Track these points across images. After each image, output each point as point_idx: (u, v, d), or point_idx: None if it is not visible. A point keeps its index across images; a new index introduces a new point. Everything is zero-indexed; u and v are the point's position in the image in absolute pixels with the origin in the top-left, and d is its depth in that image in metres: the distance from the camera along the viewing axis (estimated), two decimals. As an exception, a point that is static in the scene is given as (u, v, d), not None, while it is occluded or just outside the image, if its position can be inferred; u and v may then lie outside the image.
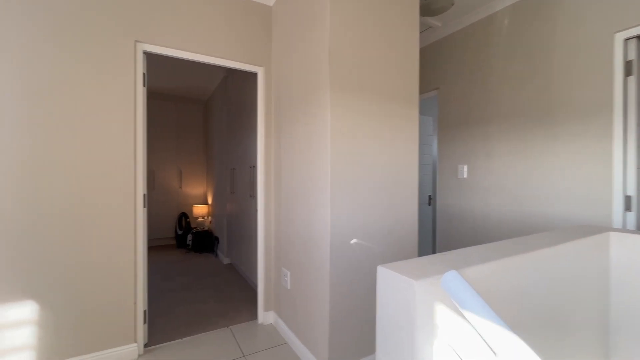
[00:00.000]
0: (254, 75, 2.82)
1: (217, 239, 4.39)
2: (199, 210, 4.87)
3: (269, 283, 2.31)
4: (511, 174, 2.21)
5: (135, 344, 1.84)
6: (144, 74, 1.91)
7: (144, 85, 1.91)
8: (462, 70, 2.59)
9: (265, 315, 2.28)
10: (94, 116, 1.75)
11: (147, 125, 4.81)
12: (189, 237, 4.61)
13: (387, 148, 1.76)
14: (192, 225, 5.00)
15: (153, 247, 4.83)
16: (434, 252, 4.12)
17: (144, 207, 1.92)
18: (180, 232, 4.78)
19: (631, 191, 1.70)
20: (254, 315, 2.40)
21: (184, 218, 4.89)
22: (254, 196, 2.90)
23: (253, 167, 2.91)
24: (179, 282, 3.20)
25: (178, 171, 5.05)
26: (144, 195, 1.92)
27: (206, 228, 4.73)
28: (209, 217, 5.02)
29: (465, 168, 2.55)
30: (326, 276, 1.58)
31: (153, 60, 3.56)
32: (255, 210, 2.77)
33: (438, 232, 2.80)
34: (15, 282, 1.57)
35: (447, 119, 2.72)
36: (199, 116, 5.26)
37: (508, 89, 2.24)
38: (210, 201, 4.99)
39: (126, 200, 1.82)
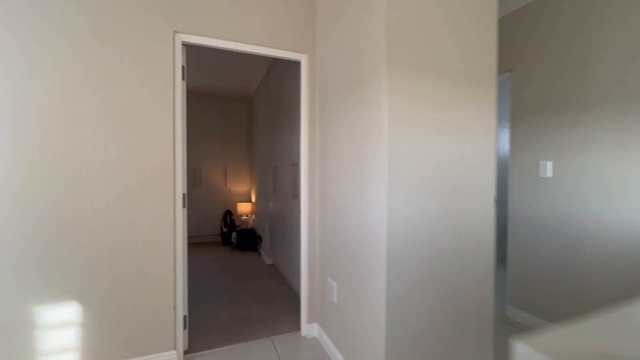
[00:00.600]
0: (296, 66, 2.62)
1: (260, 238, 4.33)
2: (243, 208, 4.87)
3: (312, 293, 2.10)
4: (619, 173, 1.72)
5: (174, 351, 1.76)
6: (183, 66, 1.81)
7: (183, 79, 1.81)
8: (545, 46, 2.12)
9: (308, 328, 2.08)
10: (133, 112, 1.67)
11: (194, 124, 4.93)
12: (234, 235, 4.62)
13: (456, 140, 1.43)
14: (237, 223, 5.02)
15: (200, 244, 4.95)
16: (501, 265, 3.59)
17: (184, 207, 1.83)
18: (225, 230, 4.82)
19: None
20: (296, 325, 2.21)
21: (228, 216, 4.94)
22: (296, 196, 2.71)
23: (296, 165, 2.72)
24: (221, 282, 3.15)
25: (223, 169, 5.11)
26: (184, 195, 1.82)
27: (250, 226, 4.71)
28: (253, 215, 5.00)
29: (550, 165, 2.08)
30: (381, 293, 1.31)
31: (197, 59, 3.56)
32: (298, 212, 2.58)
33: (511, 242, 2.35)
34: (61, 282, 1.55)
35: (524, 106, 2.26)
36: (243, 114, 5.27)
37: (619, 64, 1.74)
38: (254, 199, 4.97)
39: (165, 200, 1.73)
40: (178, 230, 1.78)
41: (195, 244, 4.92)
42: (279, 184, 3.30)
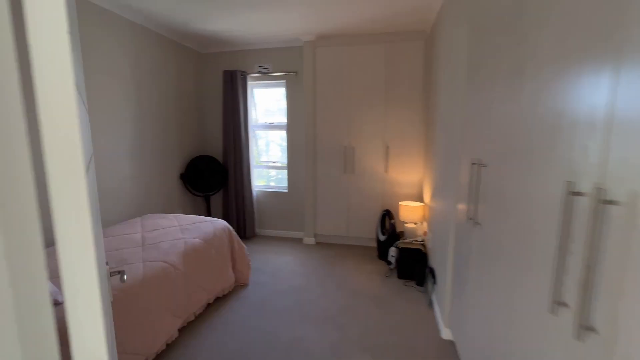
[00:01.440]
0: None
1: (432, 271, 2.54)
2: (409, 212, 3.15)
3: None
4: None
5: None
6: None
7: None
8: None
9: None
10: None
11: (342, 82, 3.50)
12: (393, 251, 3.05)
13: None
14: (398, 231, 3.39)
15: (353, 247, 3.72)
16: None
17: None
18: (382, 238, 3.33)
19: None
20: None
21: (387, 218, 3.38)
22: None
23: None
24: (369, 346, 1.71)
25: (384, 147, 3.50)
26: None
27: (417, 245, 2.97)
28: (424, 224, 3.20)
29: None
30: None
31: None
32: None
33: None
34: None
35: None
36: (416, 60, 3.32)
37: None
38: (427, 198, 3.13)
39: None
40: None
41: (348, 247, 3.74)
42: (487, 185, 1.35)
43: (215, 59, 4.01)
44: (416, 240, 3.03)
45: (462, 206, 1.72)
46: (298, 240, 3.98)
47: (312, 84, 3.58)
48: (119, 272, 1.09)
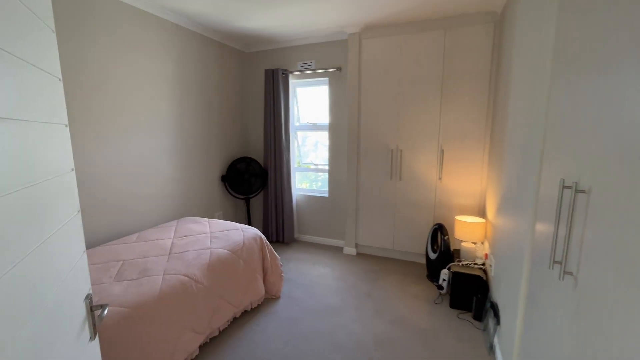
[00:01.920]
0: None
1: (494, 306, 2.06)
2: (467, 229, 2.65)
3: None
4: None
5: None
6: None
7: None
8: None
9: None
10: None
11: (391, 77, 3.11)
12: (445, 274, 2.60)
13: None
14: (453, 249, 2.90)
15: (398, 262, 3.33)
16: None
17: None
18: (433, 256, 2.88)
19: None
20: None
21: (439, 233, 2.91)
22: None
23: None
24: None
25: (438, 150, 3.03)
26: None
27: (476, 270, 2.47)
28: (485, 247, 2.68)
29: None
30: None
31: None
32: None
33: None
34: None
35: None
36: (483, 49, 2.77)
37: None
38: (490, 215, 2.60)
39: None
40: None
41: (392, 262, 3.37)
42: (604, 218, 0.91)
43: (258, 58, 3.91)
44: (475, 264, 2.54)
45: (542, 238, 1.27)
46: (338, 249, 3.70)
47: (357, 80, 3.25)
48: (101, 306, 0.95)
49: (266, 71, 3.68)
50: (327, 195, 3.81)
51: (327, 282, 2.91)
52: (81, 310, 0.88)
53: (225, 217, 3.78)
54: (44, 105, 0.75)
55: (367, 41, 3.17)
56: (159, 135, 2.86)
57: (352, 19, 2.98)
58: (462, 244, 2.70)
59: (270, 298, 2.60)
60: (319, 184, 4.13)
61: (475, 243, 2.66)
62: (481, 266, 2.50)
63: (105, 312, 0.94)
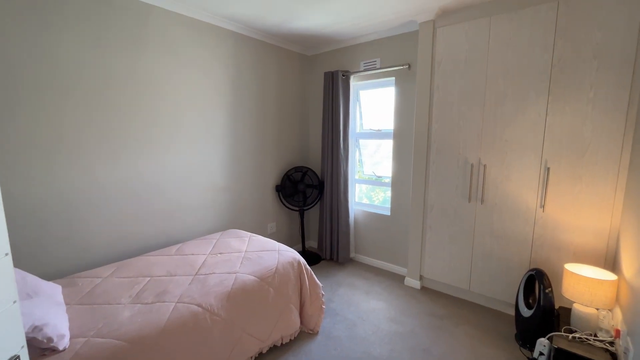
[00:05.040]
0: None
1: None
2: (584, 285, 1.79)
3: None
4: None
5: None
6: None
7: None
8: None
9: None
10: None
11: (473, 71, 2.45)
12: (544, 344, 1.83)
13: None
14: (557, 306, 2.05)
15: (475, 307, 2.60)
16: None
17: None
18: (526, 312, 2.10)
19: None
20: None
21: (537, 283, 2.09)
22: None
23: None
24: None
25: (540, 169, 2.21)
26: None
27: (598, 351, 1.63)
28: (616, 317, 1.78)
29: None
30: None
31: None
32: None
33: None
34: None
35: None
36: (622, 23, 1.86)
37: None
38: (626, 270, 1.71)
39: None
40: None
41: (467, 306, 2.66)
42: None
43: (319, 60, 3.65)
44: (596, 339, 1.70)
45: None
46: (399, 278, 3.14)
47: (429, 77, 2.66)
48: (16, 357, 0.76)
49: (325, 74, 3.38)
50: (389, 213, 3.28)
51: (378, 321, 2.42)
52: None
53: (279, 229, 3.62)
54: None
55: (442, 29, 2.56)
56: (212, 144, 2.84)
57: (424, 4, 2.43)
58: (575, 305, 1.87)
59: (306, 332, 2.27)
60: (380, 198, 3.62)
61: (598, 309, 1.80)
62: (607, 346, 1.66)
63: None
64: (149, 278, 1.87)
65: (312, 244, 4.00)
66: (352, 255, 3.57)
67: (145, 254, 2.23)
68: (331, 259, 3.56)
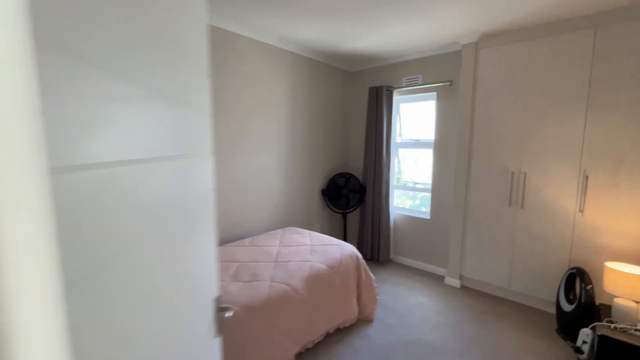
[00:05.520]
0: None
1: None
2: (624, 281, 2.02)
3: None
4: None
5: None
6: None
7: None
8: None
9: None
10: None
11: (514, 89, 2.71)
12: (586, 333, 2.04)
13: None
14: (598, 302, 2.25)
15: (515, 306, 2.81)
16: None
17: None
18: (568, 308, 2.31)
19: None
20: None
21: (579, 279, 2.31)
22: None
23: None
24: None
25: (579, 176, 2.45)
26: None
27: (637, 339, 1.84)
28: (657, 304, 1.98)
29: None
30: None
31: None
32: None
33: None
34: None
35: None
36: (658, 45, 2.12)
37: None
38: (665, 265, 1.92)
39: None
40: None
41: (507, 304, 2.87)
42: None
43: (362, 76, 4.00)
44: (637, 329, 1.91)
45: None
46: (438, 278, 3.37)
47: (471, 93, 2.95)
48: (226, 308, 1.08)
49: (370, 89, 3.72)
50: (428, 217, 3.54)
51: (425, 313, 2.67)
52: (210, 311, 1.03)
53: (323, 230, 3.93)
54: (195, 140, 0.91)
55: (485, 51, 2.85)
56: (272, 152, 3.20)
57: (468, 29, 2.74)
58: (616, 299, 2.07)
59: (362, 320, 2.54)
60: (417, 201, 3.88)
61: (638, 302, 2.00)
62: (648, 336, 1.86)
63: (231, 314, 1.06)
64: (237, 263, 2.21)
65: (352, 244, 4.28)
66: (391, 256, 3.83)
67: (225, 245, 2.58)
68: (371, 259, 3.83)
